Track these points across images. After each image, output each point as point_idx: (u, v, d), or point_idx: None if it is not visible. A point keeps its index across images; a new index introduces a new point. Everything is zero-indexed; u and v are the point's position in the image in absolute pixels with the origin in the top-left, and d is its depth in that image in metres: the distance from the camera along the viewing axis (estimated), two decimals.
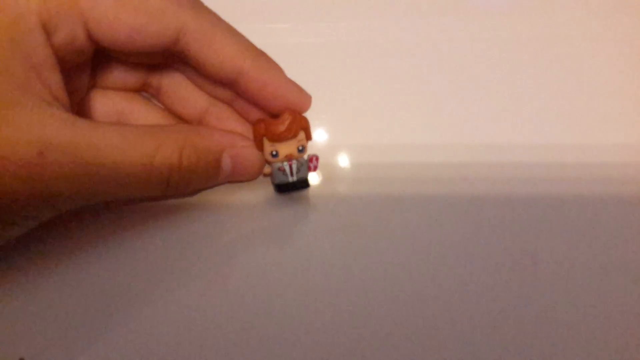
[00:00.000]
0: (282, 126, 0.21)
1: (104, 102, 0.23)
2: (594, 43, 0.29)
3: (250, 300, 0.26)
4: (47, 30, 0.18)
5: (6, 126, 0.16)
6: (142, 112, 0.23)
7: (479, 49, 0.29)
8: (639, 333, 0.25)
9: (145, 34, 0.19)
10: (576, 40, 0.29)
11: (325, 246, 0.26)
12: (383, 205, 0.27)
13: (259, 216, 0.27)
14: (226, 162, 0.21)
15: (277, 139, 0.21)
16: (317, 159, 0.23)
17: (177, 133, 0.19)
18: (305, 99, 0.22)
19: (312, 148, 0.24)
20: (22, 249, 0.25)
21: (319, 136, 0.28)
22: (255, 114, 0.23)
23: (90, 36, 0.19)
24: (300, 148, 0.22)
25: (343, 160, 0.27)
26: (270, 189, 0.27)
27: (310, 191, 0.27)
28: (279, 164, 0.22)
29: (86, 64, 0.21)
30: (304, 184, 0.23)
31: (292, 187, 0.23)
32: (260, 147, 0.22)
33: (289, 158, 0.22)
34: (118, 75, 0.23)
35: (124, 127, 0.18)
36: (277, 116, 0.21)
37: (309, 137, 0.23)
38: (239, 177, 0.22)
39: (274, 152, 0.22)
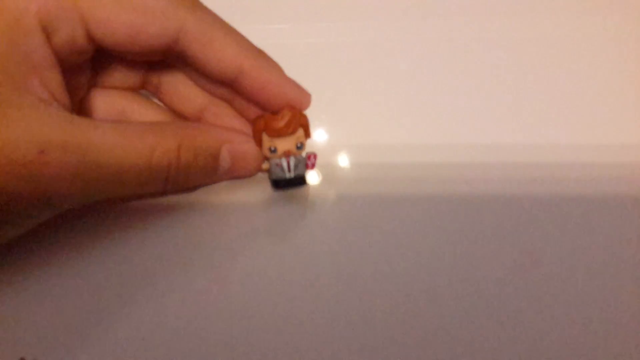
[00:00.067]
0: (281, 122, 0.21)
1: (104, 101, 0.23)
2: (594, 43, 0.29)
3: (250, 299, 0.26)
4: (47, 31, 0.18)
5: (6, 126, 0.16)
6: (142, 111, 0.23)
7: (479, 49, 0.29)
8: (639, 333, 0.25)
9: (145, 34, 0.19)
10: (576, 41, 0.29)
11: (325, 246, 0.26)
12: (383, 205, 0.27)
13: (258, 216, 0.27)
14: (224, 158, 0.21)
15: (276, 134, 0.21)
16: (315, 156, 0.23)
17: (176, 129, 0.20)
18: (305, 97, 0.22)
19: (312, 147, 0.24)
20: (22, 249, 0.25)
21: (319, 136, 0.28)
22: (254, 112, 0.23)
23: (90, 37, 0.19)
24: (299, 145, 0.22)
25: (343, 160, 0.27)
26: (269, 189, 0.27)
27: (310, 191, 0.27)
28: (277, 160, 0.22)
29: (86, 64, 0.21)
30: (301, 181, 0.23)
31: (289, 184, 0.23)
32: (259, 143, 0.22)
33: (287, 154, 0.22)
34: (118, 74, 0.23)
35: (123, 125, 0.18)
36: (277, 112, 0.22)
37: (307, 134, 0.23)
38: (238, 173, 0.22)
39: (273, 148, 0.22)
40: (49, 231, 0.25)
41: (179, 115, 0.24)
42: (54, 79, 0.18)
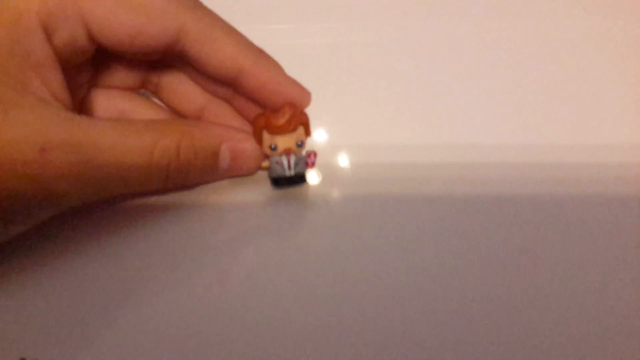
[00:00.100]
0: (282, 119, 0.21)
1: (104, 102, 0.23)
2: (594, 43, 0.29)
3: (250, 299, 0.26)
4: (48, 31, 0.18)
5: (7, 125, 0.16)
6: (142, 111, 0.23)
7: (479, 49, 0.29)
8: (638, 333, 0.25)
9: (146, 34, 0.19)
10: (576, 41, 0.29)
11: (325, 246, 0.26)
12: (383, 205, 0.27)
13: (258, 216, 0.27)
14: (224, 156, 0.21)
15: (277, 131, 0.22)
16: (315, 155, 0.23)
17: (175, 127, 0.20)
18: (305, 95, 0.22)
19: (312, 147, 0.24)
20: (23, 248, 0.25)
21: (319, 136, 0.28)
22: (254, 111, 0.23)
23: (90, 36, 0.19)
24: (299, 143, 0.22)
25: (343, 160, 0.27)
26: (269, 189, 0.27)
27: (310, 191, 0.27)
28: (277, 158, 0.22)
29: (87, 63, 0.21)
30: (301, 179, 0.23)
31: (289, 182, 0.23)
32: (259, 141, 0.22)
33: (287, 152, 0.22)
34: (118, 73, 0.23)
35: (123, 123, 0.18)
36: (278, 110, 0.22)
37: (308, 133, 0.23)
38: (238, 172, 0.22)
39: (273, 146, 0.22)
40: (49, 231, 0.25)
41: (179, 115, 0.24)
42: (55, 78, 0.18)
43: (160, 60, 0.22)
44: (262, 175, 0.27)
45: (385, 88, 0.28)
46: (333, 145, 0.27)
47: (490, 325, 0.25)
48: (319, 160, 0.26)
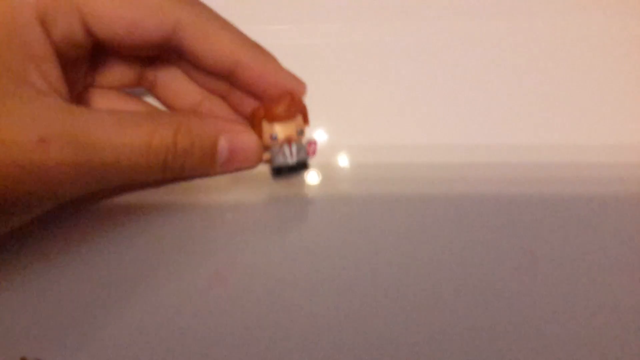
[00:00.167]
0: (281, 106, 0.22)
1: (99, 101, 0.23)
2: (594, 43, 0.29)
3: (250, 299, 0.26)
4: (44, 24, 0.18)
5: (6, 116, 0.16)
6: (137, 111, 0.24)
7: (479, 49, 0.29)
8: (637, 333, 0.25)
9: (142, 28, 0.19)
10: (576, 41, 0.29)
11: (325, 246, 0.26)
12: (383, 205, 0.27)
13: (258, 215, 0.27)
14: (222, 147, 0.21)
15: (277, 118, 0.22)
16: (315, 143, 0.24)
17: (173, 117, 0.20)
18: (300, 86, 0.22)
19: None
20: (23, 248, 0.25)
21: (319, 136, 0.28)
22: (249, 107, 0.23)
23: (87, 30, 0.19)
24: (300, 131, 0.23)
25: (343, 160, 0.28)
26: (269, 188, 0.27)
27: (310, 191, 0.27)
28: (279, 147, 0.22)
29: (83, 59, 0.21)
30: (303, 166, 0.23)
31: (291, 170, 0.23)
32: (259, 133, 0.22)
33: (288, 140, 0.22)
34: (114, 70, 0.23)
35: (121, 114, 0.19)
36: (276, 98, 0.22)
37: (306, 121, 0.23)
38: (238, 164, 0.22)
39: (274, 135, 0.22)
40: (49, 230, 0.25)
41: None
42: (53, 71, 0.18)
43: (156, 56, 0.23)
44: (262, 174, 0.27)
45: (385, 88, 0.28)
46: (333, 145, 0.28)
47: (491, 325, 0.25)
48: (319, 160, 0.26)
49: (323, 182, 0.27)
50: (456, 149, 0.28)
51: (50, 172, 0.17)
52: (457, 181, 0.27)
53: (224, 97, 0.24)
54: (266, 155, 0.23)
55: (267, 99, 0.22)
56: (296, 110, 0.22)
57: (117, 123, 0.18)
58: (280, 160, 0.23)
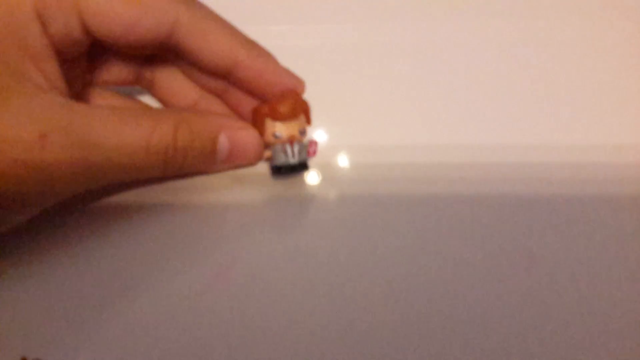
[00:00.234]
0: (287, 105, 0.22)
1: (98, 102, 0.23)
2: (594, 43, 0.29)
3: (249, 299, 0.26)
4: (43, 21, 0.18)
5: (6, 112, 0.16)
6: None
7: (479, 50, 0.29)
8: (637, 333, 0.25)
9: (141, 27, 0.19)
10: (576, 41, 0.29)
11: (325, 246, 0.26)
12: (383, 205, 0.27)
13: (258, 215, 0.27)
14: (223, 143, 0.21)
15: (282, 117, 0.22)
16: (315, 143, 0.24)
17: (173, 114, 0.20)
18: (299, 83, 0.22)
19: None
20: (23, 247, 0.25)
21: (319, 136, 0.28)
22: (245, 106, 0.23)
23: (85, 28, 0.19)
24: (302, 131, 0.23)
25: (343, 160, 0.28)
26: (269, 188, 0.27)
27: (310, 191, 0.27)
28: (281, 146, 0.22)
29: (82, 57, 0.21)
30: (303, 166, 0.24)
31: (291, 170, 0.23)
32: (261, 130, 0.22)
33: (291, 140, 0.22)
34: (112, 68, 0.23)
35: (121, 110, 0.19)
36: (281, 97, 0.22)
37: (309, 121, 0.23)
38: (239, 160, 0.22)
39: (277, 133, 0.22)
40: (49, 230, 0.26)
41: None
42: (52, 68, 0.18)
43: (153, 55, 0.23)
44: (262, 174, 0.27)
45: (385, 88, 0.28)
46: (333, 145, 0.28)
47: (491, 325, 0.25)
48: (319, 160, 0.26)
49: (323, 182, 0.27)
50: (456, 149, 0.28)
51: (50, 168, 0.17)
52: (457, 181, 0.27)
53: (221, 96, 0.24)
54: (267, 153, 0.23)
55: (272, 97, 0.22)
56: (300, 109, 0.22)
57: (117, 119, 0.18)
58: (281, 159, 0.23)
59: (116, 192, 0.26)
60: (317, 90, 0.24)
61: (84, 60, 0.22)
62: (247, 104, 0.23)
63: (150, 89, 0.24)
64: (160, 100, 0.25)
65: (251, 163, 0.23)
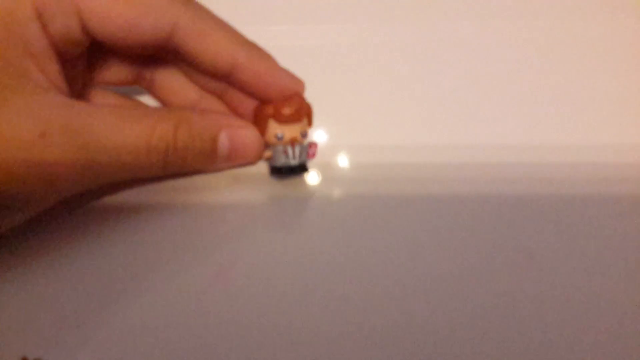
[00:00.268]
0: (292, 108, 0.22)
1: (97, 101, 0.23)
2: (594, 43, 0.29)
3: (249, 299, 0.26)
4: (43, 21, 0.18)
5: (6, 111, 0.16)
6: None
7: (479, 50, 0.29)
8: (637, 333, 0.25)
9: (140, 28, 0.19)
10: (576, 41, 0.29)
11: (325, 246, 0.26)
12: (383, 205, 0.27)
13: (258, 215, 0.27)
14: (223, 142, 0.21)
15: (286, 120, 0.22)
16: (315, 145, 0.24)
17: (173, 113, 0.20)
18: (299, 85, 0.22)
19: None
20: (23, 247, 0.25)
21: (319, 136, 0.28)
22: (245, 106, 0.23)
23: (84, 28, 0.19)
24: (303, 133, 0.23)
25: (343, 160, 0.28)
26: (269, 188, 0.27)
27: (310, 191, 0.27)
28: (282, 147, 0.23)
29: (81, 57, 0.21)
30: (303, 168, 0.24)
31: (291, 171, 0.23)
32: (263, 130, 0.22)
33: (292, 142, 0.22)
34: (112, 68, 0.23)
35: (122, 109, 0.19)
36: (286, 99, 0.22)
37: (310, 123, 0.23)
38: (239, 159, 0.22)
39: (280, 135, 0.22)
40: (49, 229, 0.26)
41: None
42: (52, 67, 0.18)
43: (153, 55, 0.23)
44: (262, 174, 0.27)
45: (385, 88, 0.28)
46: (333, 145, 0.28)
47: (491, 325, 0.25)
48: (319, 160, 0.26)
49: (323, 182, 0.27)
50: (456, 149, 0.28)
51: (51, 167, 0.17)
52: (457, 181, 0.27)
53: (221, 97, 0.24)
54: (267, 153, 0.23)
55: (277, 99, 0.22)
56: (304, 112, 0.22)
57: (117, 119, 0.18)
58: (282, 161, 0.23)
59: (116, 192, 0.26)
60: (317, 90, 0.24)
61: (84, 60, 0.22)
62: (247, 104, 0.23)
63: (150, 89, 0.24)
64: (160, 100, 0.25)
65: (251, 162, 0.23)
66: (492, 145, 0.28)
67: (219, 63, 0.21)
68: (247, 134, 0.22)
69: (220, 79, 0.22)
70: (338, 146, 0.28)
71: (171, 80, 0.24)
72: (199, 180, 0.26)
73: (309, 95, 0.24)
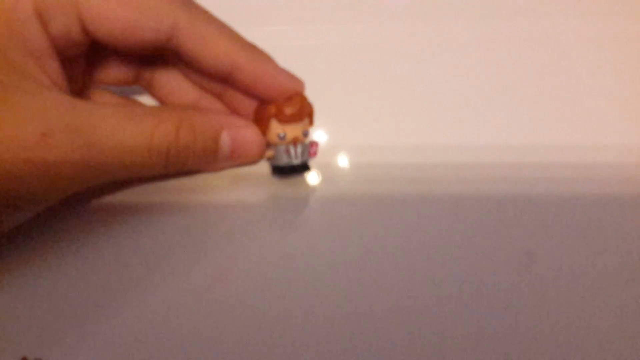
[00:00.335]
0: (294, 108, 0.22)
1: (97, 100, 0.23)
2: (594, 43, 0.29)
3: (249, 299, 0.26)
4: (43, 20, 0.18)
5: (9, 110, 0.16)
6: None
7: (479, 50, 0.29)
8: (637, 333, 0.25)
9: (140, 29, 0.19)
10: (576, 41, 0.29)
11: (325, 246, 0.26)
12: (383, 205, 0.27)
13: (258, 215, 0.27)
14: (225, 141, 0.21)
15: (289, 120, 0.22)
16: (317, 144, 0.24)
17: (175, 112, 0.20)
18: (299, 85, 0.22)
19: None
20: (23, 247, 0.25)
21: (319, 136, 0.28)
22: (244, 106, 0.23)
23: (84, 29, 0.19)
24: (305, 132, 0.23)
25: (343, 160, 0.28)
26: (269, 188, 0.27)
27: (310, 191, 0.27)
28: (284, 146, 0.23)
29: (81, 56, 0.21)
30: (305, 167, 0.24)
31: (293, 170, 0.23)
32: (264, 130, 0.22)
33: (294, 141, 0.23)
34: (111, 68, 0.23)
35: (124, 108, 0.19)
36: (288, 99, 0.22)
37: (312, 122, 0.23)
38: (241, 158, 0.22)
39: (282, 134, 0.22)
40: (49, 229, 0.26)
41: None
42: (53, 66, 0.18)
43: (153, 55, 0.23)
44: (262, 174, 0.27)
45: (385, 88, 0.29)
46: (333, 145, 0.28)
47: (491, 325, 0.25)
48: (319, 160, 0.26)
49: (323, 182, 0.27)
50: (456, 149, 0.28)
51: (53, 167, 0.17)
52: (457, 181, 0.27)
53: (220, 97, 0.24)
54: (268, 153, 0.23)
55: (279, 98, 0.22)
56: (305, 112, 0.22)
57: (119, 118, 0.18)
58: (284, 160, 0.23)
59: (116, 192, 0.26)
60: (317, 90, 0.24)
61: (84, 59, 0.22)
62: (246, 104, 0.23)
63: (149, 89, 0.24)
64: (159, 100, 0.25)
65: (253, 162, 0.23)
66: (492, 145, 0.28)
67: (219, 64, 0.21)
68: (249, 134, 0.22)
69: (220, 80, 0.22)
70: (338, 146, 0.28)
71: (171, 80, 0.24)
72: (199, 180, 0.26)
73: (309, 95, 0.24)
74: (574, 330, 0.25)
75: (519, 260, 0.26)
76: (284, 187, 0.27)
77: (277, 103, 0.22)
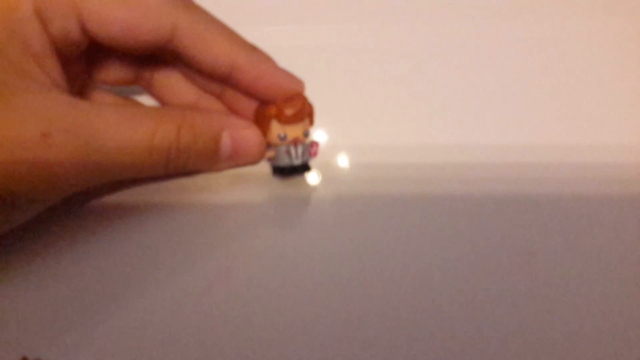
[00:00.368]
0: (294, 108, 0.22)
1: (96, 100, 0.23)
2: (594, 43, 0.29)
3: (249, 299, 0.26)
4: (42, 20, 0.18)
5: (9, 110, 0.16)
6: None
7: (479, 50, 0.29)
8: (637, 333, 0.25)
9: (139, 30, 0.19)
10: (576, 41, 0.29)
11: (325, 246, 0.26)
12: (383, 205, 0.27)
13: (258, 215, 0.27)
14: (226, 142, 0.21)
15: (290, 120, 0.22)
16: (317, 144, 0.24)
17: (176, 112, 0.20)
18: (299, 85, 0.22)
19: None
20: (23, 247, 0.25)
21: (319, 136, 0.28)
22: (244, 106, 0.23)
23: (83, 28, 0.19)
24: (306, 133, 0.23)
25: (343, 161, 0.28)
26: (268, 188, 0.27)
27: (310, 191, 0.27)
28: (285, 147, 0.23)
29: (81, 56, 0.21)
30: (305, 167, 0.24)
31: (293, 170, 0.23)
32: (265, 130, 0.22)
33: (295, 141, 0.22)
34: (111, 68, 0.23)
35: (124, 108, 0.19)
36: (289, 99, 0.22)
37: (312, 123, 0.23)
38: (241, 159, 0.22)
39: (283, 135, 0.22)
40: (49, 229, 0.26)
41: None
42: (53, 66, 0.18)
43: (153, 55, 0.23)
44: (262, 174, 0.27)
45: (385, 88, 0.29)
46: (333, 145, 0.28)
47: (491, 324, 0.25)
48: (319, 160, 0.26)
49: (323, 182, 0.27)
50: (456, 149, 0.28)
51: (53, 167, 0.17)
52: (456, 181, 0.27)
53: (220, 97, 0.24)
54: (269, 153, 0.23)
55: (280, 99, 0.22)
56: (306, 113, 0.22)
57: (120, 118, 0.18)
58: (285, 160, 0.23)
59: (116, 192, 0.26)
60: (317, 90, 0.24)
61: (83, 60, 0.22)
62: (246, 104, 0.23)
63: (149, 89, 0.24)
64: (159, 100, 0.25)
65: (254, 162, 0.23)
66: (492, 145, 0.28)
67: (219, 65, 0.21)
68: (250, 134, 0.22)
69: (220, 80, 0.22)
70: (338, 146, 0.28)
71: (170, 80, 0.24)
72: (199, 180, 0.26)
73: (309, 95, 0.24)
74: (574, 330, 0.25)
75: (519, 259, 0.26)
76: (284, 187, 0.27)
77: (278, 104, 0.22)
